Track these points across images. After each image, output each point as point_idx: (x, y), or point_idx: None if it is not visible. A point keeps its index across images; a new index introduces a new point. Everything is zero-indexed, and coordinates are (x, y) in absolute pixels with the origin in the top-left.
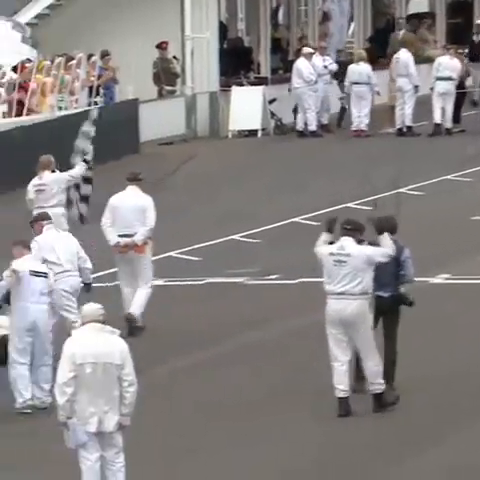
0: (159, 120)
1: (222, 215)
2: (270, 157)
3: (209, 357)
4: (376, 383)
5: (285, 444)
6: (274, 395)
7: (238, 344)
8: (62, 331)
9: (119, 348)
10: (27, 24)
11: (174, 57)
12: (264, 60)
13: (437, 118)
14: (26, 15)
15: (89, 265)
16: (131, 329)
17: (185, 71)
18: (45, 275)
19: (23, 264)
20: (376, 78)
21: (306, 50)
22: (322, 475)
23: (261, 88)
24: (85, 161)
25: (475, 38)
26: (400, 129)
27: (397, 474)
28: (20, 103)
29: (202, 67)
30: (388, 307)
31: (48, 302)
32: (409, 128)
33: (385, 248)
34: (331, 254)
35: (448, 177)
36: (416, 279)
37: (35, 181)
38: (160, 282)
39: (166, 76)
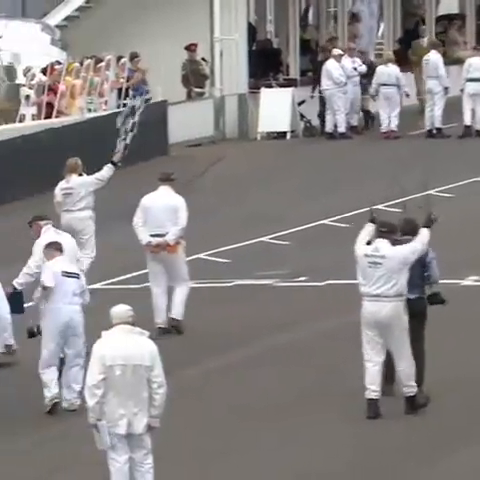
0: (188, 122)
1: (251, 217)
2: (299, 159)
3: (238, 359)
4: (409, 385)
5: (316, 446)
6: (304, 397)
7: (267, 346)
8: None
9: (148, 350)
10: (56, 26)
11: (203, 59)
12: (293, 62)
13: (467, 120)
14: (55, 17)
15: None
16: (178, 330)
17: (214, 73)
18: (77, 276)
19: (55, 266)
20: (404, 79)
21: (335, 52)
22: (354, 477)
23: (290, 90)
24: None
25: None
26: (430, 131)
27: (429, 476)
28: (49, 105)
29: (231, 69)
30: (416, 309)
31: (80, 303)
32: (439, 130)
33: (416, 242)
34: (366, 255)
35: (478, 179)
36: (446, 281)
37: (62, 184)
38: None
39: (195, 78)
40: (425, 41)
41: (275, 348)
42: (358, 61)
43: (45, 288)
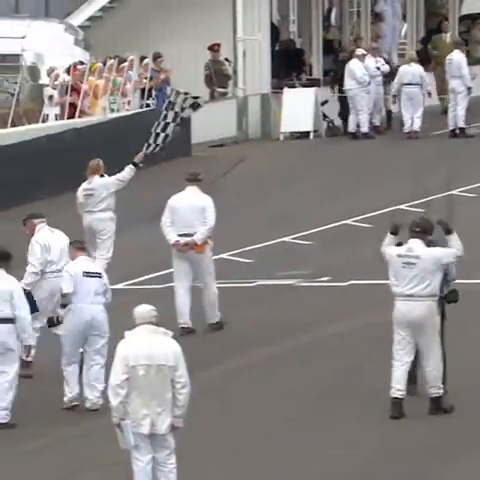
0: (211, 122)
1: (273, 217)
2: (322, 159)
3: (260, 359)
4: (435, 386)
5: (339, 446)
6: (325, 397)
7: (289, 346)
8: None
9: (172, 350)
10: (80, 26)
11: (226, 59)
12: (316, 62)
13: None
14: (79, 17)
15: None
16: (218, 327)
17: (237, 73)
18: (99, 275)
19: (76, 266)
20: (428, 79)
21: (359, 51)
22: (378, 477)
23: (313, 90)
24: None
25: None
26: (453, 131)
27: (453, 476)
28: (72, 105)
29: (254, 69)
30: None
31: (103, 302)
32: (462, 130)
33: (453, 248)
34: (399, 256)
35: None
36: (468, 281)
37: (84, 185)
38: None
39: (218, 78)
40: (448, 36)
41: (297, 348)
42: (381, 61)
43: (64, 295)
